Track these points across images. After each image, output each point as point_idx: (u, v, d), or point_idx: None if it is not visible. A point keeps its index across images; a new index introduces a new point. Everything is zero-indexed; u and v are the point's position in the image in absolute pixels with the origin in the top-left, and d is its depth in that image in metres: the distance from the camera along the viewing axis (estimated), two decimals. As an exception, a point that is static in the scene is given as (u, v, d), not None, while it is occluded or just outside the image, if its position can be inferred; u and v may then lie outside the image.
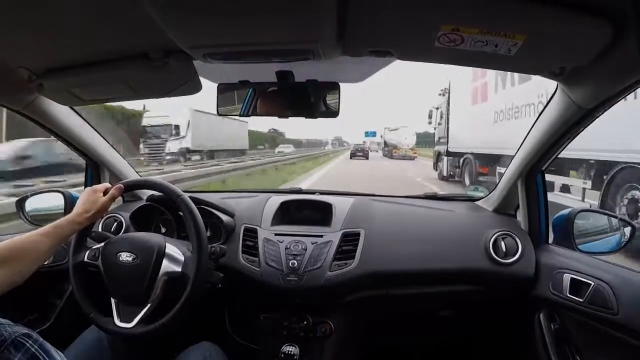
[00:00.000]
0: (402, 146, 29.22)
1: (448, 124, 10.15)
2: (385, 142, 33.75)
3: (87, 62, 0.95)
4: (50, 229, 0.95)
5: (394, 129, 31.60)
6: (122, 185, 1.12)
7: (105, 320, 1.04)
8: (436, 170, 11.79)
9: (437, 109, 11.59)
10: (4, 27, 0.79)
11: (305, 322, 1.29)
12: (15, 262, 0.86)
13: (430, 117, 12.12)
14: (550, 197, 1.36)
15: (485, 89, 8.08)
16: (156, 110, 18.07)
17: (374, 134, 43.99)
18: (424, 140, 39.02)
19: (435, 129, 11.97)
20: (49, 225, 0.97)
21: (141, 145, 17.72)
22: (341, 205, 1.43)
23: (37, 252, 0.91)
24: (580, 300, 1.06)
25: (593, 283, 1.04)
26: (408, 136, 29.96)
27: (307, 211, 1.47)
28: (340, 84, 1.02)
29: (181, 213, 1.15)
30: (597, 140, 3.99)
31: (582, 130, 1.05)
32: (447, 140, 10.10)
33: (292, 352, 1.26)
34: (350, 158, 27.80)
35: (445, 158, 10.55)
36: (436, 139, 11.95)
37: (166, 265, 1.04)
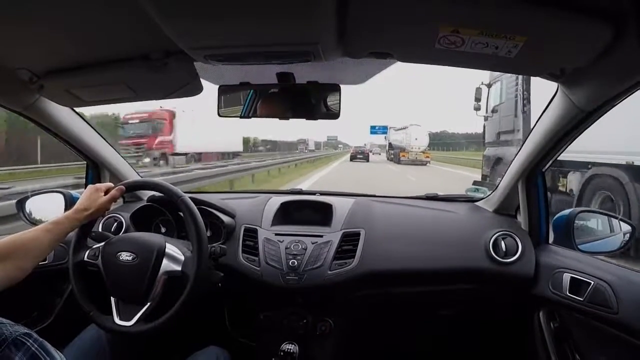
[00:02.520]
0: (412, 148, 23.37)
1: (527, 105, 5.75)
2: (390, 145, 28.56)
3: (88, 63, 0.95)
4: (50, 225, 0.96)
5: (401, 128, 25.95)
6: (123, 186, 1.12)
7: (105, 319, 1.05)
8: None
9: (489, 85, 7.21)
10: (5, 28, 0.79)
11: (305, 321, 1.29)
12: (16, 257, 0.86)
13: (478, 99, 7.35)
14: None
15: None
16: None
17: (383, 129, 32.26)
18: (432, 142, 29.50)
19: (486, 119, 7.51)
20: (48, 221, 0.97)
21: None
22: (341, 206, 1.43)
23: (38, 248, 0.91)
24: (580, 299, 1.06)
25: (593, 282, 1.04)
26: (420, 136, 23.72)
27: (307, 212, 1.47)
28: (341, 85, 1.03)
29: (181, 213, 1.15)
30: None
31: (582, 132, 1.05)
32: (523, 138, 3.90)
33: (292, 350, 1.26)
34: (351, 160, 26.98)
35: None
36: (488, 135, 7.47)
37: (166, 265, 1.05)
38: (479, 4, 0.67)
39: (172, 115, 16.10)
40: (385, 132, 31.38)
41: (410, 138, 23.80)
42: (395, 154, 25.13)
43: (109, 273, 1.05)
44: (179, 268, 1.06)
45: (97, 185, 1.09)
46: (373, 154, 33.73)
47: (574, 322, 1.14)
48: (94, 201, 1.04)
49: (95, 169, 1.49)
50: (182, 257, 1.08)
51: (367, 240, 1.30)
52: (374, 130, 33.61)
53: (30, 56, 0.93)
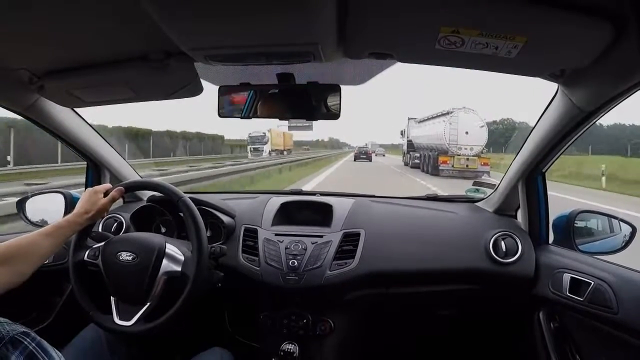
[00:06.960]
0: (459, 150, 13.35)
1: None
2: (409, 143, 18.43)
3: (88, 64, 0.95)
4: (51, 229, 0.95)
5: (435, 116, 15.20)
6: (122, 187, 1.12)
7: (105, 318, 1.05)
8: None
9: None
10: (5, 29, 0.79)
11: (305, 321, 1.29)
12: (16, 262, 0.86)
13: None
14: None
15: None
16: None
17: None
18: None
19: None
20: (49, 225, 0.97)
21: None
22: (341, 206, 1.43)
23: (38, 252, 0.91)
24: (580, 299, 1.06)
25: (593, 282, 1.04)
26: (472, 129, 13.51)
27: (307, 212, 1.47)
28: (342, 86, 1.03)
29: (181, 214, 1.15)
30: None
31: (582, 133, 1.05)
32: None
33: (292, 350, 1.26)
34: (355, 160, 25.89)
35: None
36: None
37: (166, 265, 1.05)
38: (479, 5, 0.67)
39: None
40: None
41: (456, 132, 13.54)
42: (427, 158, 15.20)
43: (109, 273, 1.05)
44: (179, 268, 1.06)
45: (96, 187, 1.09)
46: (376, 155, 31.47)
47: (574, 322, 1.14)
48: (93, 204, 1.04)
49: (96, 169, 1.49)
50: (182, 257, 1.08)
51: (367, 241, 1.30)
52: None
53: (30, 56, 0.93)
